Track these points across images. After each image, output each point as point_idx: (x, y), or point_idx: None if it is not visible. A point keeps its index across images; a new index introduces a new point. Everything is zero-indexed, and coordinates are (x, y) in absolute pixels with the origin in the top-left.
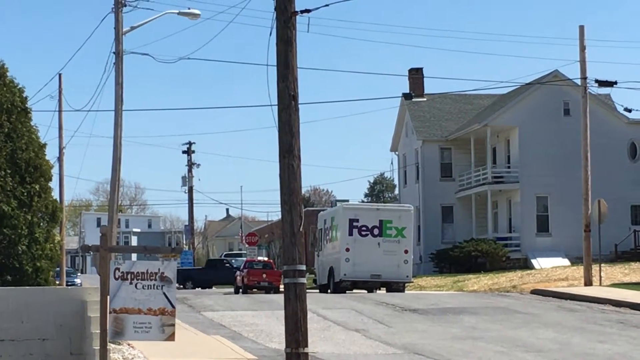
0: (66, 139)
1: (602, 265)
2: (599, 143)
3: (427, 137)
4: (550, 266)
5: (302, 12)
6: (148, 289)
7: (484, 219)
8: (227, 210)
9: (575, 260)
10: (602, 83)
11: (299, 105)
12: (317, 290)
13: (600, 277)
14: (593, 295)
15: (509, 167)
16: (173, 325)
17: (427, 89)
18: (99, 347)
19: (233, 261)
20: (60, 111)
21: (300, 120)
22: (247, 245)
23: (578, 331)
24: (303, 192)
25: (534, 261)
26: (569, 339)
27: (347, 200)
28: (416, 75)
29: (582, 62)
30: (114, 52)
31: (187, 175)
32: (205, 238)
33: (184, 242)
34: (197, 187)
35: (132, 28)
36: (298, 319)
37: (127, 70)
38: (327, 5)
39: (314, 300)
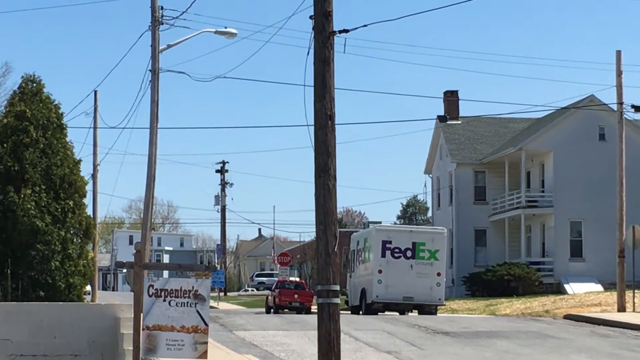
0: (101, 156)
1: (636, 291)
2: (634, 169)
3: (462, 160)
4: (583, 291)
5: (340, 32)
6: (182, 306)
7: (517, 243)
8: (260, 230)
9: (608, 286)
10: (638, 108)
11: (335, 125)
12: (349, 312)
13: (634, 302)
14: (626, 321)
15: (543, 192)
16: (206, 343)
17: (462, 112)
18: None
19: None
20: (95, 128)
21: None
22: (279, 266)
23: (612, 357)
24: None
25: (566, 286)
26: None
27: (380, 222)
28: (451, 98)
29: (619, 87)
30: (150, 70)
31: (220, 194)
32: (237, 257)
33: (216, 261)
34: (229, 207)
35: (169, 46)
36: (331, 339)
37: (162, 88)
38: (365, 25)
39: (346, 322)
